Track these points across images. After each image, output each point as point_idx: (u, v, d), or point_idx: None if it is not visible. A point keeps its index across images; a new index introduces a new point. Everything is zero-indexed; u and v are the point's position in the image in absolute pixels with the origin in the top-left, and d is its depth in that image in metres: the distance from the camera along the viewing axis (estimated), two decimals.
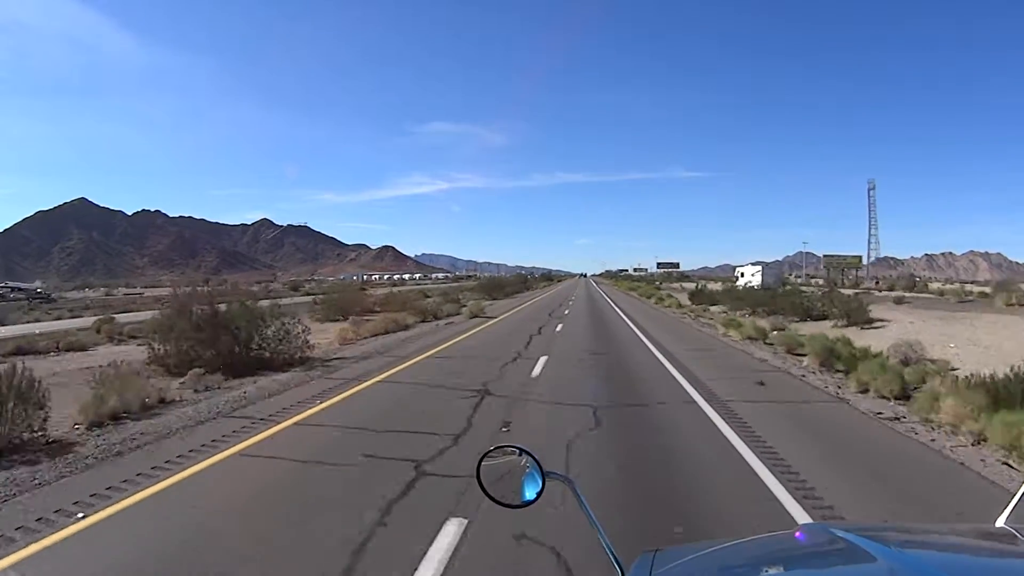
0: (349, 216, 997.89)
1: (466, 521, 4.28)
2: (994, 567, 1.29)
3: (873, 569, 1.16)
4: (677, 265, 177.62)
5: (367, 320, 20.70)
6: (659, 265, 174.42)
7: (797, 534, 1.54)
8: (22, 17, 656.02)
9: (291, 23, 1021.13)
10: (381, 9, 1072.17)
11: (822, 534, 1.54)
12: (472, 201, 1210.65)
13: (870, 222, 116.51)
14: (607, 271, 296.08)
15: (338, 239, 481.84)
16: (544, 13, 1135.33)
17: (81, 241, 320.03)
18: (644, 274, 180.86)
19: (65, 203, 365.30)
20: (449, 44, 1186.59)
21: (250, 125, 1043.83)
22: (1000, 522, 1.44)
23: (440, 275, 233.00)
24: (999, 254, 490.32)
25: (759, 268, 59.31)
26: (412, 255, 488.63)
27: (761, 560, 1.41)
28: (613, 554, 1.45)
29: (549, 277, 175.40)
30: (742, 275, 61.25)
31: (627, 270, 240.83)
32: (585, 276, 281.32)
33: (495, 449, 1.68)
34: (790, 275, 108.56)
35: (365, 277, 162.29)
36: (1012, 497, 1.53)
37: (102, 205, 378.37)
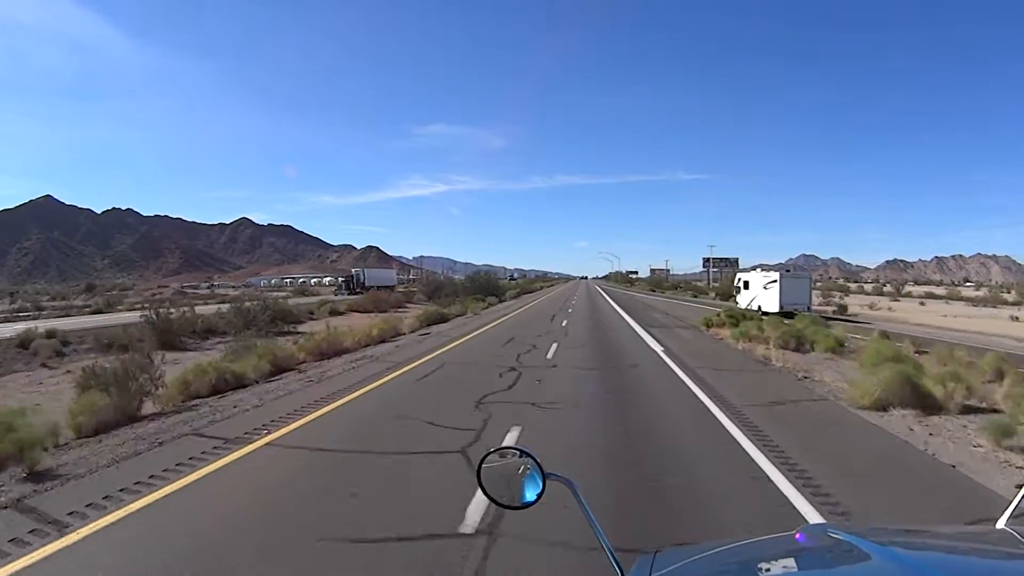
0: (348, 219, 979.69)
1: None
2: (994, 569, 1.27)
3: (873, 571, 1.17)
4: (736, 262, 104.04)
5: None
6: (708, 263, 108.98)
7: (797, 536, 1.49)
8: (13, 14, 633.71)
9: (290, 26, 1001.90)
10: (380, 12, 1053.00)
11: (822, 536, 1.52)
12: (471, 203, 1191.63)
13: None
14: (615, 272, 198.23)
15: (322, 239, 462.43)
16: (543, 15, 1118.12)
17: (39, 241, 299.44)
18: (660, 276, 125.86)
19: (30, 201, 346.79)
20: (448, 46, 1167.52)
21: (248, 127, 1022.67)
22: (1000, 524, 1.45)
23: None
24: (1007, 257, 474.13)
25: (774, 276, 33.83)
26: (411, 257, 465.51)
27: (761, 562, 1.40)
28: (613, 555, 1.45)
29: (493, 290, 54.85)
30: (746, 285, 36.95)
31: (636, 272, 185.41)
32: (586, 279, 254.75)
33: (496, 450, 1.67)
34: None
35: (269, 281, 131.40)
36: (1012, 499, 1.51)
37: (68, 203, 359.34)
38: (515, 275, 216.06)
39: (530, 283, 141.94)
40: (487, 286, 54.53)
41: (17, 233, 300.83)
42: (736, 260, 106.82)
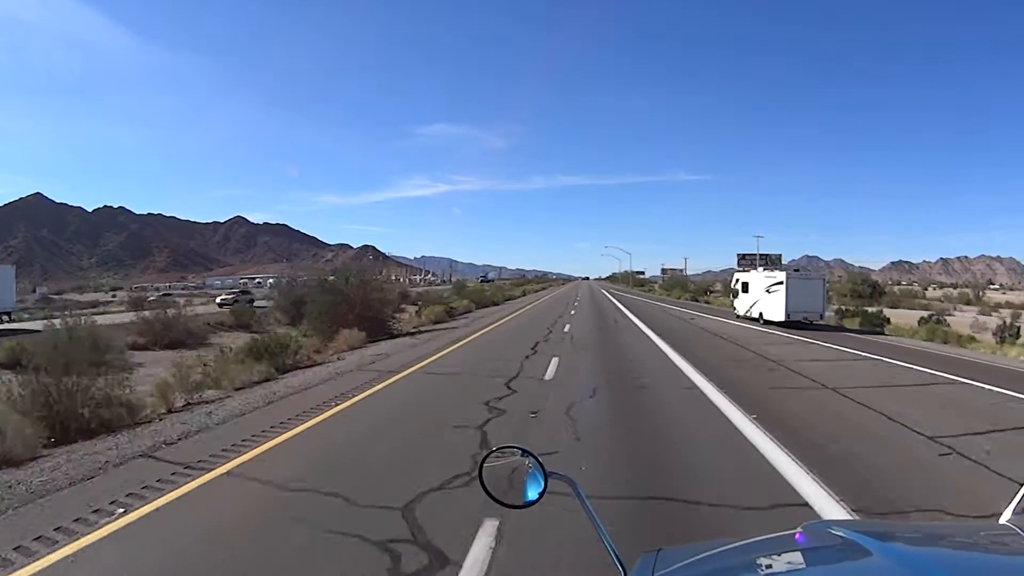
0: (350, 219, 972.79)
1: None
2: (996, 564, 1.26)
3: (875, 568, 1.16)
4: (779, 259, 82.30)
5: None
6: (755, 260, 74.15)
7: (799, 534, 1.48)
8: (16, 12, 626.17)
9: (291, 28, 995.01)
10: (382, 13, 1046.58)
11: (824, 533, 1.52)
12: (474, 204, 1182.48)
13: None
14: (622, 272, 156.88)
15: (318, 238, 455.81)
16: (545, 16, 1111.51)
17: (25, 240, 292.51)
18: (679, 278, 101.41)
19: (18, 199, 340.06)
20: (449, 47, 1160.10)
21: (247, 126, 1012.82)
22: (1003, 519, 1.44)
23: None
24: (1012, 258, 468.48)
25: (780, 277, 26.41)
26: (413, 257, 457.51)
27: (763, 560, 1.40)
28: (615, 554, 1.46)
29: (373, 307, 22.34)
30: (744, 288, 30.20)
31: (643, 272, 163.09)
32: (588, 279, 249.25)
33: (498, 450, 1.65)
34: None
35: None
36: (1015, 494, 1.49)
37: (58, 201, 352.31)
38: (488, 274, 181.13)
39: (519, 283, 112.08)
40: (373, 301, 22.90)
41: (3, 231, 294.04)
42: (779, 256, 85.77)
